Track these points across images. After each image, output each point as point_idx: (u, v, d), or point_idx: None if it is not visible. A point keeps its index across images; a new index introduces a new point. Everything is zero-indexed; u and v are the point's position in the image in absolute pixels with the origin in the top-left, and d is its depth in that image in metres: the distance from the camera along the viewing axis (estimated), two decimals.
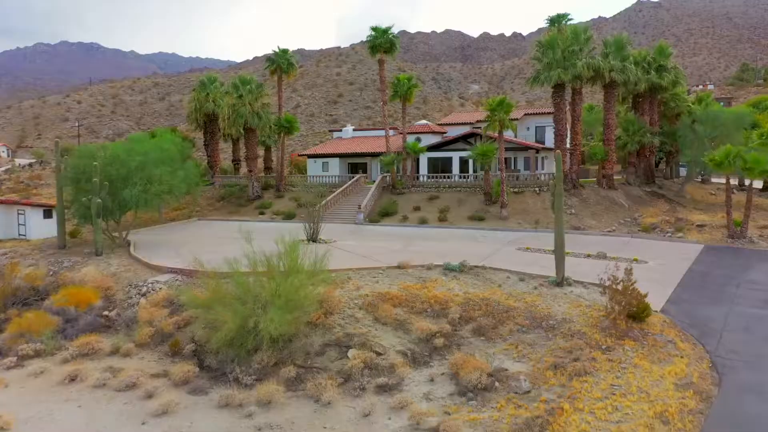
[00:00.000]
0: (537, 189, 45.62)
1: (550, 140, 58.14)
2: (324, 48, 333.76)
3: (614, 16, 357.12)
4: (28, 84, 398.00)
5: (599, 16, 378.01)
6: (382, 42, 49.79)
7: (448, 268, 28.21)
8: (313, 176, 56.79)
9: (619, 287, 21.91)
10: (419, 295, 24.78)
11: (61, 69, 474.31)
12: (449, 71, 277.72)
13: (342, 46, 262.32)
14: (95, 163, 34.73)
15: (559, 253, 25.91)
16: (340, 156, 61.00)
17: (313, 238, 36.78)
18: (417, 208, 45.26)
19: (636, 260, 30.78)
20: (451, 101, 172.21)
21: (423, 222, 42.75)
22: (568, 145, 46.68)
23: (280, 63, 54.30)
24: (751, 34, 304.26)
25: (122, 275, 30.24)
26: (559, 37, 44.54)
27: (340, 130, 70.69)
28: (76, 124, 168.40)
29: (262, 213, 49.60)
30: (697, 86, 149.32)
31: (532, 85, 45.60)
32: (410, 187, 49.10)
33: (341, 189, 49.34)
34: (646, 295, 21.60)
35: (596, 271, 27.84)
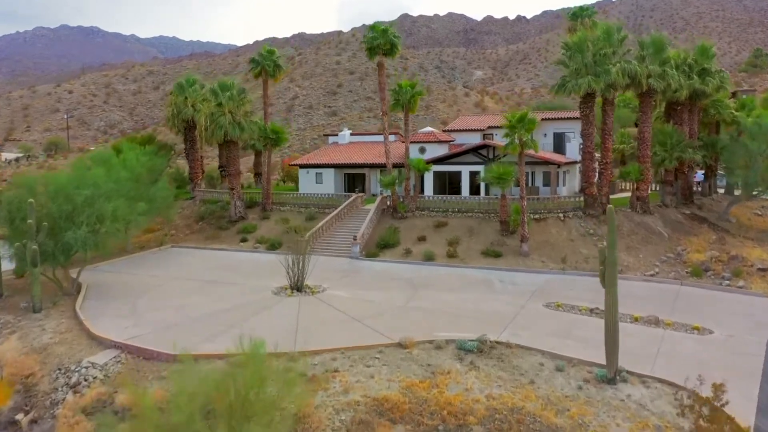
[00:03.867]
0: (561, 215, 39.22)
1: (571, 150, 51.69)
2: (325, 32, 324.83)
3: None
4: (28, 68, 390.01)
5: None
6: (381, 43, 42.57)
7: (462, 348, 22.22)
8: (304, 194, 49.68)
9: (704, 410, 15.89)
10: (427, 401, 18.72)
11: (61, 53, 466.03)
12: (453, 58, 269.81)
13: (343, 31, 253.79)
14: (30, 200, 28.53)
15: (611, 338, 19.77)
16: (336, 167, 54.19)
17: (297, 287, 30.65)
18: (422, 239, 38.85)
19: (697, 329, 24.66)
20: (455, 90, 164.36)
21: (429, 258, 36.34)
22: (596, 163, 40.33)
23: (265, 65, 47.06)
24: (762, 17, 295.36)
25: (53, 350, 24.12)
26: (590, 38, 37.75)
27: (336, 135, 63.66)
28: (66, 116, 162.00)
29: (244, 240, 43.14)
30: None
31: (557, 93, 38.92)
32: (413, 210, 42.52)
33: (335, 212, 42.79)
34: (748, 430, 15.45)
35: (652, 350, 22.10)
